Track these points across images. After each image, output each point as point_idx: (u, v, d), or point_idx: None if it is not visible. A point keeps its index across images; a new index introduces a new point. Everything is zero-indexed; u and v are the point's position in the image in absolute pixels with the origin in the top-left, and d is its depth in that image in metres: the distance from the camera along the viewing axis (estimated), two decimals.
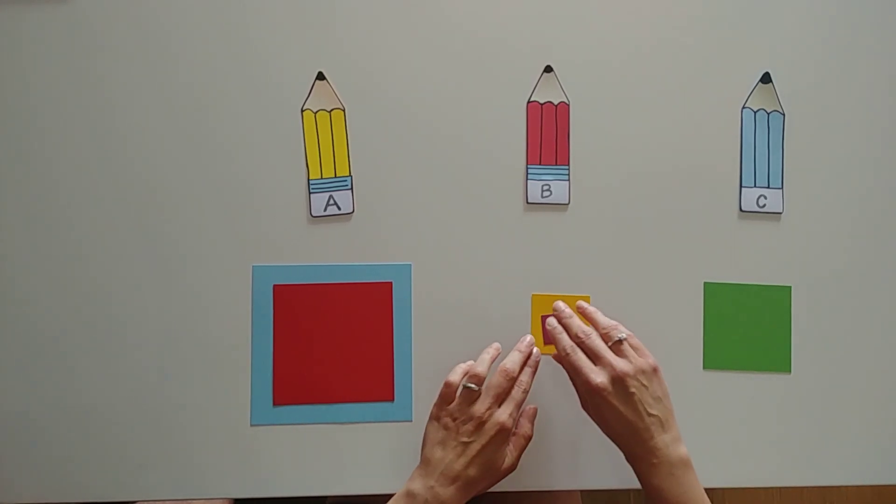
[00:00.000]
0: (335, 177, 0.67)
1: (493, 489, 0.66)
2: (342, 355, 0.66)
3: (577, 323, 0.63)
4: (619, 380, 0.58)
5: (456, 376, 0.61)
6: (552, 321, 0.64)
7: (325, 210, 0.67)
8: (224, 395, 0.66)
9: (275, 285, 0.66)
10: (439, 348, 0.67)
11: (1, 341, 0.66)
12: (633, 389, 0.58)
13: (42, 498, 0.66)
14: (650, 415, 0.58)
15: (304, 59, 0.67)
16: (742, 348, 0.68)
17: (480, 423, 0.59)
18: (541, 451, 0.67)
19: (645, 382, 0.59)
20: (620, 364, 0.59)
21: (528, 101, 0.68)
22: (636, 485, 0.68)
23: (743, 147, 0.69)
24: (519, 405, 0.61)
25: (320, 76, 0.67)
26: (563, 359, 0.62)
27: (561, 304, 0.65)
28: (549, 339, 0.64)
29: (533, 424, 0.64)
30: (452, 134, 0.68)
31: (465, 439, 0.59)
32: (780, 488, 0.65)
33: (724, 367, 0.68)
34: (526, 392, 0.62)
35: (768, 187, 0.69)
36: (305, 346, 0.66)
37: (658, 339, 0.68)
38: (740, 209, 0.69)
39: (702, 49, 0.69)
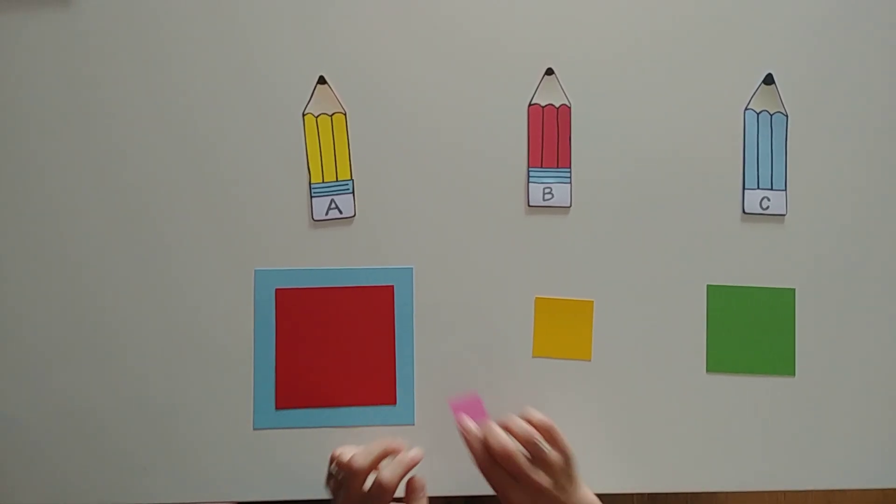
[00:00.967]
0: (337, 180, 0.67)
1: (493, 493, 0.66)
2: (344, 359, 0.66)
3: (498, 432, 0.59)
4: (539, 492, 0.57)
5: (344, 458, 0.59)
6: (466, 425, 0.60)
7: (326, 214, 0.67)
8: (226, 399, 0.66)
9: (277, 289, 0.66)
10: (441, 352, 0.67)
11: (3, 345, 0.66)
12: (555, 493, 0.57)
13: (46, 501, 0.66)
14: (564, 488, 0.58)
15: (306, 64, 0.67)
16: (745, 351, 0.68)
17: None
18: None
19: (563, 481, 0.58)
20: (541, 479, 0.57)
21: (530, 104, 0.68)
22: (639, 489, 0.68)
23: (746, 149, 0.69)
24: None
25: (321, 80, 0.67)
26: (484, 474, 0.59)
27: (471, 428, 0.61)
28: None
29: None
30: (453, 137, 0.68)
31: None
32: (785, 492, 0.65)
33: (728, 371, 0.68)
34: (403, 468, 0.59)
35: (771, 189, 0.69)
36: (308, 349, 0.66)
37: (661, 342, 0.68)
38: (743, 211, 0.69)
39: (704, 50, 0.69)
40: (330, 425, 0.66)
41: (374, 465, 0.59)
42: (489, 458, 0.58)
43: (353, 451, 0.60)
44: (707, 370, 0.68)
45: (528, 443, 0.58)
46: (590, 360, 0.68)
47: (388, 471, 0.58)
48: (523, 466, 0.57)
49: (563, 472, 0.58)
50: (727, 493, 1.20)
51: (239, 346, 0.66)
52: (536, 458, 0.58)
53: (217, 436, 0.66)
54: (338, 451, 0.61)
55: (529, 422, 0.60)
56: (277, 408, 0.66)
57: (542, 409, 0.67)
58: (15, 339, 0.66)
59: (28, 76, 0.67)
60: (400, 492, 0.60)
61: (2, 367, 0.66)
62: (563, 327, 0.67)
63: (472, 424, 0.60)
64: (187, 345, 0.66)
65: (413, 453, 0.60)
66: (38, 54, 0.67)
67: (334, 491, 0.60)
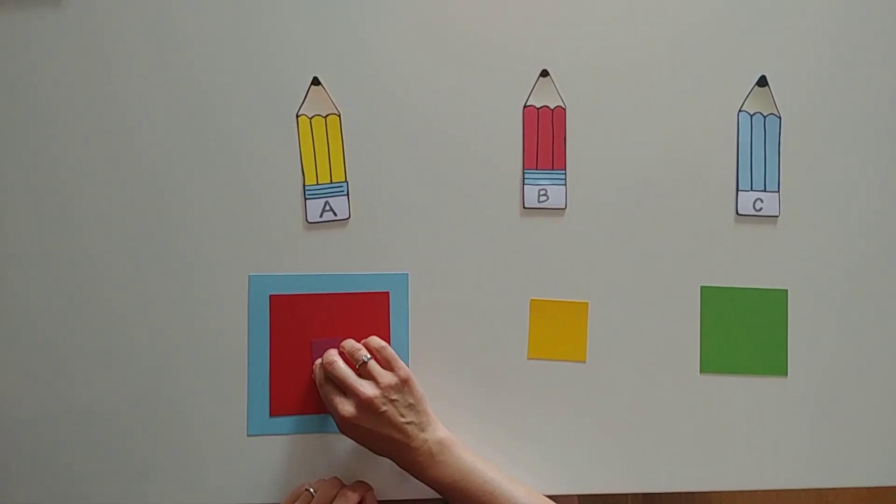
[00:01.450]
0: (331, 182, 0.67)
1: None
2: None
3: (318, 361, 0.63)
4: (366, 404, 0.59)
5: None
6: (329, 354, 0.63)
7: (321, 216, 0.67)
8: (221, 406, 0.65)
9: (271, 295, 0.65)
10: (436, 356, 0.67)
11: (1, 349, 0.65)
12: (383, 409, 0.59)
13: None
14: (406, 423, 0.60)
15: (300, 65, 0.66)
16: (738, 352, 0.68)
17: None
18: (538, 456, 0.67)
19: (394, 397, 0.60)
20: (365, 389, 0.59)
21: (525, 106, 0.68)
22: (633, 489, 0.69)
23: (739, 150, 0.69)
24: None
25: (315, 81, 0.66)
26: (319, 391, 0.63)
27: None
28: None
29: None
30: (448, 139, 0.67)
31: None
32: (777, 491, 0.65)
33: (721, 371, 0.68)
34: None
35: (765, 191, 0.69)
36: (302, 356, 0.65)
37: (655, 343, 0.68)
38: (737, 213, 0.69)
39: (698, 53, 0.69)
40: (324, 432, 0.65)
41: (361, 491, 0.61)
42: (322, 375, 0.62)
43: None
44: (700, 371, 0.68)
45: (351, 355, 0.63)
46: (585, 362, 0.68)
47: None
48: (346, 375, 0.60)
49: (396, 391, 0.60)
50: (721, 492, 1.21)
51: (233, 353, 0.66)
52: (362, 370, 0.61)
53: (211, 442, 0.65)
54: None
55: (366, 345, 0.64)
56: (272, 415, 0.65)
57: (537, 410, 0.67)
58: (9, 344, 0.65)
59: (16, 77, 0.65)
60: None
61: (1, 371, 0.65)
62: (558, 329, 0.67)
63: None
64: (182, 351, 0.66)
65: (355, 488, 0.61)
66: (28, 55, 0.65)
67: None
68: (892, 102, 0.70)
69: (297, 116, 0.66)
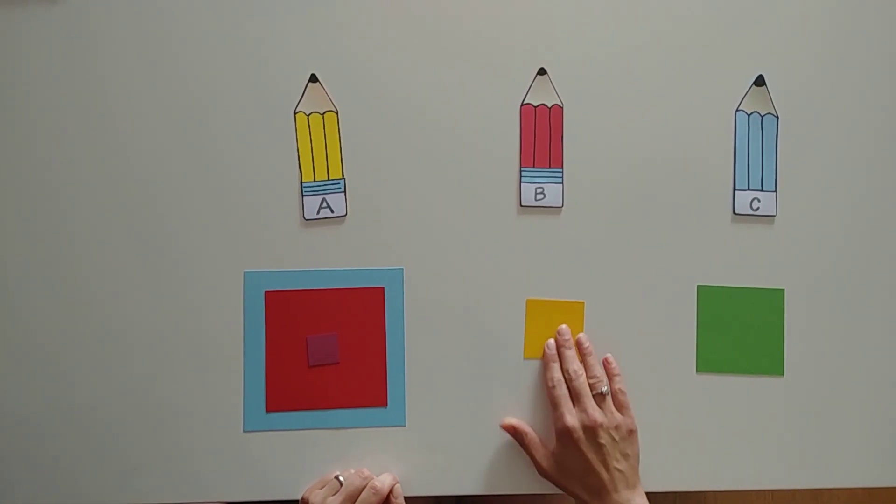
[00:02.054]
0: (328, 179, 0.67)
1: (487, 493, 0.67)
2: (335, 361, 0.66)
3: (571, 357, 0.65)
4: (590, 428, 0.60)
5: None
6: (551, 344, 0.66)
7: (317, 213, 0.67)
8: (217, 402, 0.65)
9: (266, 291, 0.66)
10: (432, 353, 0.67)
11: None
12: (602, 441, 0.60)
13: (36, 501, 0.65)
14: (616, 469, 0.60)
15: (297, 62, 0.66)
16: (735, 352, 0.68)
17: None
18: None
19: (616, 437, 0.61)
20: (596, 413, 0.61)
21: (522, 104, 0.68)
22: None
23: (736, 150, 0.69)
24: None
25: (313, 78, 0.67)
26: (548, 389, 0.64)
27: (564, 329, 0.66)
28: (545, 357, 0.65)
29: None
30: (446, 136, 0.67)
31: None
32: (773, 491, 0.65)
33: (718, 371, 0.68)
34: (379, 499, 0.62)
35: (762, 190, 0.69)
36: (298, 352, 0.66)
37: (651, 343, 0.68)
38: (734, 212, 0.69)
39: (695, 51, 0.69)
40: (320, 427, 0.65)
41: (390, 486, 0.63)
42: (560, 377, 0.64)
43: (324, 494, 0.62)
44: (697, 370, 0.68)
45: (591, 376, 0.64)
46: (581, 361, 0.68)
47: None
48: (586, 392, 0.62)
49: (621, 435, 0.61)
50: (716, 492, 1.21)
51: (229, 349, 0.66)
52: (597, 398, 0.63)
53: (207, 438, 0.65)
54: (308, 495, 0.63)
55: (609, 373, 0.65)
56: (268, 410, 0.65)
57: (532, 410, 0.67)
58: (6, 340, 0.65)
59: (14, 73, 0.65)
60: None
61: None
62: (554, 329, 0.67)
63: (553, 344, 0.66)
64: (178, 347, 0.66)
65: (383, 480, 0.63)
66: (26, 51, 0.66)
67: None
68: (890, 102, 0.70)
69: (295, 113, 0.67)
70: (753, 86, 0.69)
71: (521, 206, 0.68)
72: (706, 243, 0.69)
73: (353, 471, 0.64)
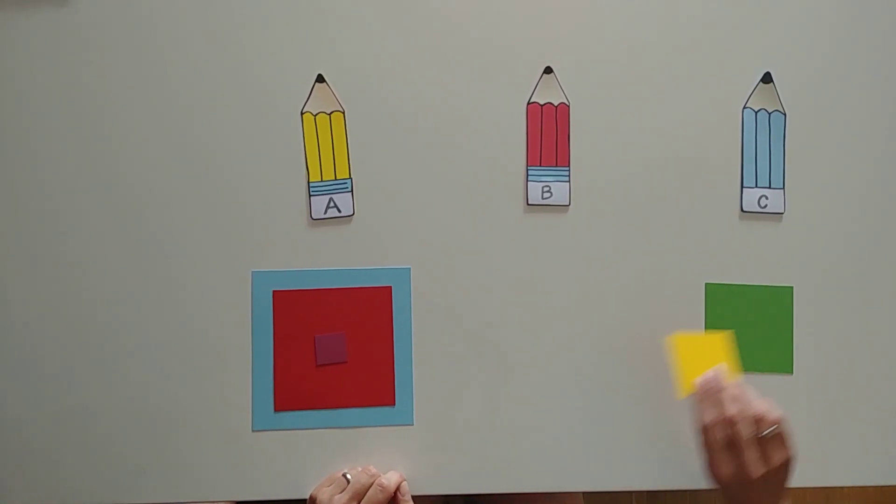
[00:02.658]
0: (335, 179, 0.67)
1: (495, 490, 0.67)
2: (343, 360, 0.66)
3: (727, 398, 0.61)
4: (745, 476, 0.58)
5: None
6: (704, 381, 0.62)
7: (325, 213, 0.67)
8: (225, 401, 0.66)
9: (274, 291, 0.66)
10: (440, 352, 0.67)
11: (3, 345, 0.66)
12: (755, 491, 0.58)
13: (45, 501, 0.66)
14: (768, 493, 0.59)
15: (304, 62, 0.67)
16: (744, 349, 0.68)
17: None
18: (542, 452, 0.67)
19: (771, 485, 0.59)
20: (754, 466, 0.58)
21: (528, 103, 0.68)
22: (637, 486, 0.69)
23: (744, 147, 0.69)
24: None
25: (320, 79, 0.67)
26: (703, 431, 0.61)
27: (717, 371, 0.63)
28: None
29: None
30: (452, 136, 0.68)
31: None
32: None
33: None
34: (386, 496, 0.62)
35: (770, 187, 0.69)
36: (306, 351, 0.66)
37: (660, 341, 0.68)
38: (741, 210, 0.69)
39: (702, 49, 0.69)
40: (329, 426, 0.66)
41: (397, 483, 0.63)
42: (716, 416, 0.60)
43: (332, 491, 0.62)
44: None
45: (756, 417, 0.59)
46: (588, 358, 0.68)
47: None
48: (748, 444, 0.58)
49: (776, 475, 0.59)
50: None
51: (237, 349, 0.66)
52: (760, 440, 0.59)
53: (216, 437, 0.65)
54: (316, 493, 0.63)
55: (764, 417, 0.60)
56: (276, 410, 0.65)
57: (540, 407, 0.67)
58: (14, 339, 0.66)
59: (25, 74, 0.66)
60: None
61: (1, 368, 0.66)
62: (700, 364, 0.65)
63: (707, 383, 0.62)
64: (186, 347, 0.66)
65: (390, 478, 0.63)
66: (36, 52, 0.66)
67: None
68: None
69: (302, 113, 0.67)
70: (760, 83, 0.69)
71: (527, 204, 0.68)
72: (714, 241, 0.68)
73: (360, 468, 0.64)
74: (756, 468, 0.58)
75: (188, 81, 0.66)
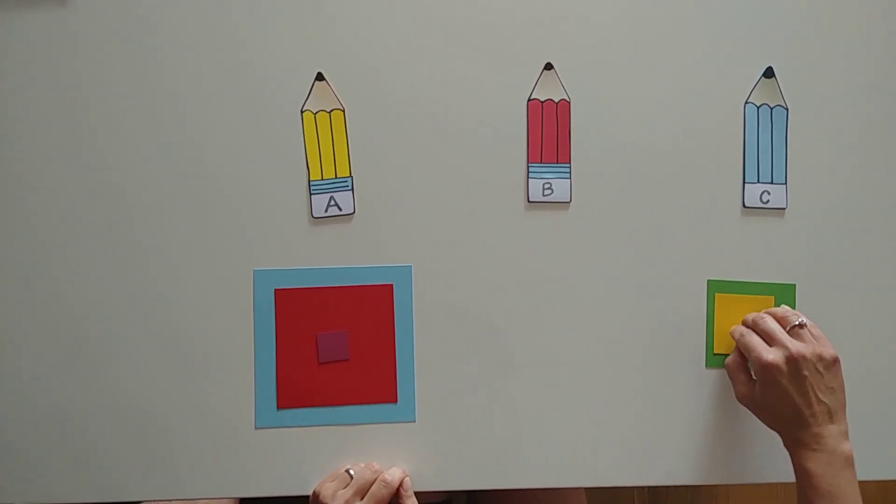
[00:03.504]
0: (336, 178, 0.67)
1: (498, 487, 0.67)
2: (345, 358, 0.66)
3: (751, 314, 0.63)
4: (792, 360, 0.57)
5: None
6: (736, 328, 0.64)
7: (326, 211, 0.67)
8: (228, 399, 0.66)
9: (276, 289, 0.66)
10: (441, 349, 0.67)
11: (15, 344, 0.66)
12: (805, 373, 0.57)
13: (48, 498, 0.66)
14: (820, 402, 0.57)
15: (304, 60, 0.67)
16: None
17: None
18: (545, 449, 0.67)
19: (821, 369, 0.58)
20: (796, 345, 0.58)
21: (529, 99, 0.68)
22: (639, 481, 0.69)
23: (746, 143, 0.68)
24: (380, 502, 0.62)
25: (319, 77, 0.67)
26: (737, 342, 0.62)
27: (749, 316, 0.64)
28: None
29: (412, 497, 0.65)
30: (452, 133, 0.67)
31: None
32: (783, 484, 0.65)
33: None
34: (389, 491, 0.63)
35: (772, 183, 0.69)
36: (308, 348, 0.66)
37: (660, 337, 0.68)
38: (743, 205, 0.68)
39: (704, 44, 0.68)
40: (331, 424, 0.66)
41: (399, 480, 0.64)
42: (743, 329, 0.62)
43: (335, 487, 0.63)
44: (706, 365, 0.68)
45: (783, 318, 0.60)
46: (590, 355, 0.68)
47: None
48: (776, 328, 0.59)
49: (825, 366, 0.58)
50: (727, 486, 1.21)
51: (239, 347, 0.66)
52: (793, 332, 0.59)
53: (220, 435, 0.66)
54: (319, 489, 0.63)
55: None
56: (279, 407, 0.66)
57: (543, 403, 0.67)
58: (15, 340, 0.66)
59: (24, 74, 0.66)
60: None
61: (13, 367, 0.66)
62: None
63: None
64: (189, 346, 0.66)
65: (393, 474, 0.64)
66: (35, 52, 0.66)
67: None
68: None
69: (302, 112, 0.67)
70: (762, 78, 0.68)
71: (528, 201, 0.68)
72: (716, 237, 0.68)
73: (363, 465, 0.64)
74: (800, 346, 0.57)
75: (188, 80, 0.66)
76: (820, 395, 0.57)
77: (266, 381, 0.66)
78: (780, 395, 0.58)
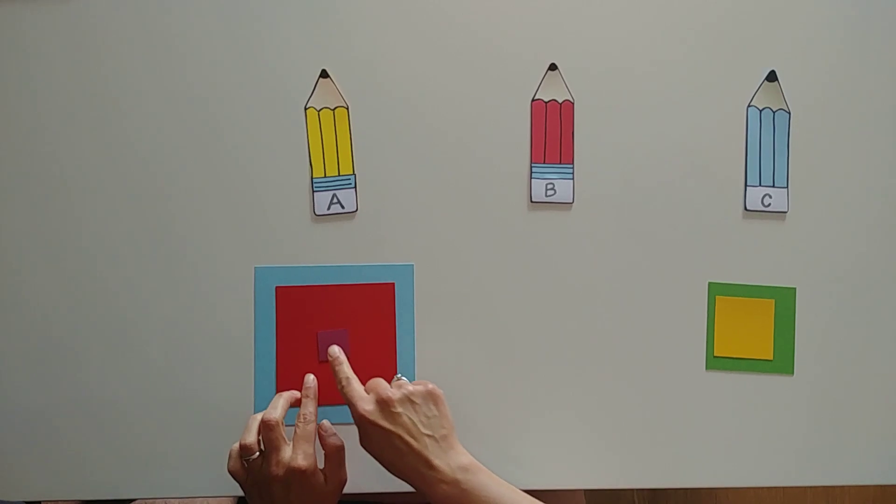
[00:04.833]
0: (339, 175, 0.67)
1: None
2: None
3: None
4: (384, 402, 0.58)
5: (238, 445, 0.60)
6: (335, 350, 0.63)
7: (328, 209, 0.67)
8: (228, 397, 0.66)
9: (277, 287, 0.66)
10: (442, 349, 0.67)
11: (10, 340, 0.66)
12: (398, 410, 0.58)
13: (48, 495, 0.66)
14: (423, 434, 0.58)
15: (308, 57, 0.67)
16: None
17: (278, 479, 0.58)
18: (544, 450, 0.67)
19: (416, 401, 0.59)
20: (388, 391, 0.59)
21: (533, 100, 0.68)
22: (638, 484, 0.69)
23: (748, 146, 0.69)
24: (308, 438, 0.59)
25: (324, 74, 0.67)
26: (341, 390, 0.61)
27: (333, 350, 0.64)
28: None
29: (335, 434, 0.62)
30: (456, 132, 0.67)
31: (281, 499, 0.58)
32: (784, 488, 0.65)
33: (727, 369, 0.68)
34: (311, 422, 0.60)
35: (773, 186, 0.69)
36: (308, 347, 0.66)
37: (661, 339, 0.68)
38: (745, 208, 0.69)
39: (707, 47, 0.68)
40: (330, 423, 0.66)
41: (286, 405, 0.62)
42: (346, 374, 0.61)
43: (247, 438, 0.59)
44: (706, 368, 0.68)
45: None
46: (591, 356, 0.68)
47: (268, 410, 0.60)
48: (376, 382, 0.60)
49: (420, 397, 0.59)
50: (727, 489, 1.21)
51: (240, 344, 0.66)
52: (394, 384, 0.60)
53: (219, 433, 0.65)
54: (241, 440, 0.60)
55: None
56: None
57: (543, 405, 0.67)
58: (21, 336, 0.66)
59: (28, 70, 0.66)
60: None
61: (8, 362, 0.66)
62: (744, 325, 0.67)
63: (337, 349, 0.63)
64: (189, 343, 0.66)
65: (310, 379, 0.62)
66: (39, 48, 0.66)
67: (248, 473, 0.59)
68: None
69: (306, 109, 0.67)
70: (765, 81, 0.69)
71: (531, 202, 0.68)
72: (717, 239, 0.68)
73: (253, 434, 0.60)
74: (389, 392, 0.58)
75: (192, 76, 0.66)
76: (421, 427, 0.58)
77: (266, 379, 0.66)
78: (383, 438, 0.58)
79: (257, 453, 0.59)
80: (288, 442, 0.59)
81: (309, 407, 0.61)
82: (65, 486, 0.66)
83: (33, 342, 0.66)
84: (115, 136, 0.66)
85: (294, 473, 0.57)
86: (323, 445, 0.61)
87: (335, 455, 0.61)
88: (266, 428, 0.59)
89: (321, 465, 0.60)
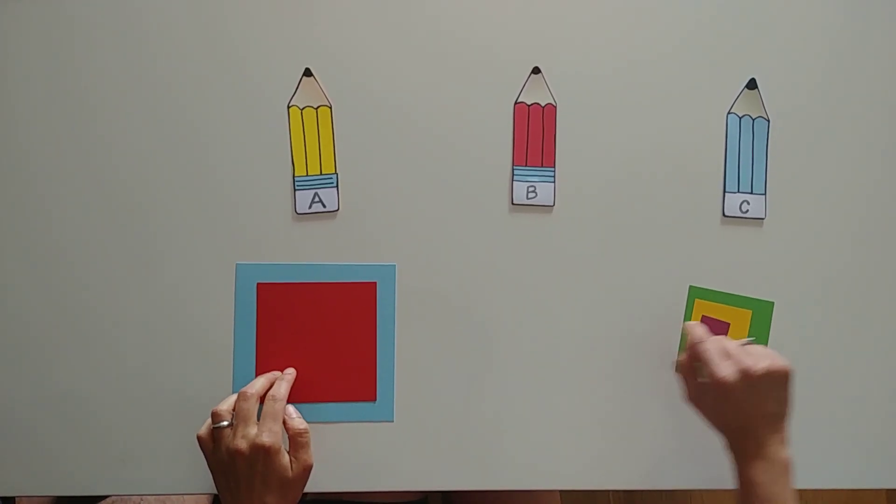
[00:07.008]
0: (321, 174, 0.67)
1: (473, 488, 0.67)
2: (325, 355, 0.66)
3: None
4: (745, 375, 0.58)
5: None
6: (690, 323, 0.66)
7: (310, 207, 0.67)
8: (206, 393, 0.65)
9: (258, 283, 0.66)
10: (422, 349, 0.67)
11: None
12: (756, 387, 0.58)
13: (21, 491, 0.66)
14: (766, 413, 0.59)
15: (291, 56, 0.67)
16: None
17: (242, 455, 0.58)
18: (521, 451, 0.68)
19: (771, 382, 0.58)
20: (748, 361, 0.58)
21: (515, 103, 0.68)
22: (615, 485, 0.69)
23: (727, 152, 0.69)
24: (275, 416, 0.60)
25: (307, 73, 0.67)
26: (693, 347, 0.63)
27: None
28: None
29: (299, 417, 0.62)
30: (439, 133, 0.68)
31: (245, 476, 0.58)
32: None
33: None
34: (281, 401, 0.61)
35: (751, 193, 0.70)
36: (288, 345, 0.66)
37: (640, 341, 0.68)
38: (723, 214, 0.69)
39: (688, 54, 0.69)
40: (309, 421, 0.65)
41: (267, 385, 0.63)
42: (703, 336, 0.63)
43: (221, 406, 0.60)
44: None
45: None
46: (570, 358, 0.68)
47: (249, 385, 0.62)
48: (730, 345, 0.61)
49: (771, 376, 0.58)
50: (702, 491, 1.22)
51: (220, 340, 0.66)
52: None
53: (196, 429, 0.65)
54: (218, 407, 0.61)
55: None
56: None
57: (521, 406, 0.67)
58: (4, 329, 0.66)
59: (11, 66, 0.65)
60: None
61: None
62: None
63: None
64: (169, 339, 0.66)
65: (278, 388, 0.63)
66: (23, 44, 0.66)
67: (215, 442, 0.60)
68: (881, 107, 0.70)
69: (289, 107, 0.67)
70: (745, 89, 0.70)
71: (512, 204, 0.68)
72: (696, 244, 0.69)
73: (228, 405, 0.61)
74: (750, 362, 0.58)
75: (176, 75, 0.66)
76: (767, 407, 0.59)
77: (245, 377, 0.65)
78: (729, 406, 0.59)
79: (226, 423, 0.59)
80: (258, 421, 0.60)
81: (281, 388, 0.62)
82: (39, 483, 0.65)
83: (8, 338, 0.65)
84: (95, 134, 0.66)
85: (258, 450, 0.58)
86: (287, 429, 0.62)
87: (298, 437, 0.61)
88: (241, 398, 0.60)
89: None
